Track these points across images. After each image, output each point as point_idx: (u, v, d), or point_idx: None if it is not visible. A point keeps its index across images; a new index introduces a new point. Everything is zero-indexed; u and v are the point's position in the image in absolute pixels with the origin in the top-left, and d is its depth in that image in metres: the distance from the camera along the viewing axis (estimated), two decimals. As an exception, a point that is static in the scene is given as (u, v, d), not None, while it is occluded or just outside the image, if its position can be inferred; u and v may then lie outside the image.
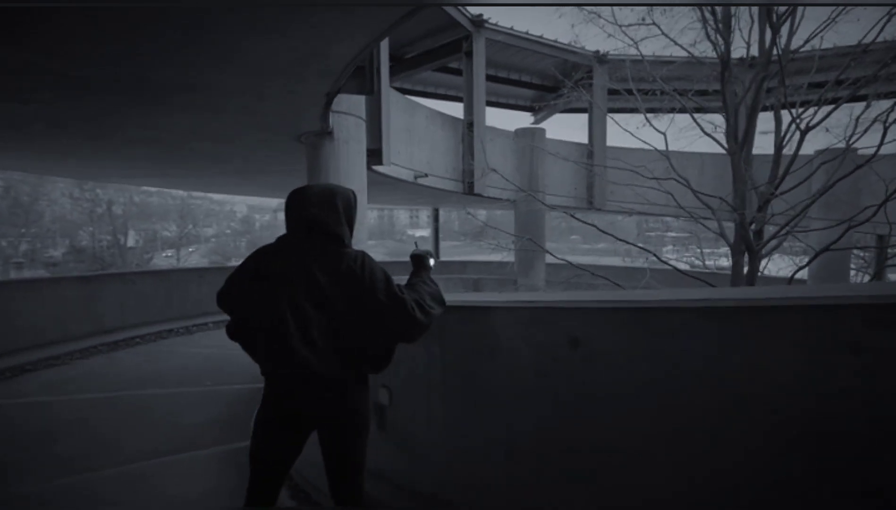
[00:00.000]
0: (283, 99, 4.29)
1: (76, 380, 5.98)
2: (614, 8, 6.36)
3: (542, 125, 11.77)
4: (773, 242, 5.66)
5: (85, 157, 7.04)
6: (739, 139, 5.35)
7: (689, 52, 6.24)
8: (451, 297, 2.58)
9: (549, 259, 9.36)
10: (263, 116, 4.82)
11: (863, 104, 5.16)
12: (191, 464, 3.64)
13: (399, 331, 1.77)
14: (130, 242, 31.10)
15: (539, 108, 11.89)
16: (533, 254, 9.21)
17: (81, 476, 3.42)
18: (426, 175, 7.97)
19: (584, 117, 11.26)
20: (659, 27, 6.33)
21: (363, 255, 1.79)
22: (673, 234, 31.49)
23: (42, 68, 3.47)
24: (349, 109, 5.36)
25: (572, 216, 6.94)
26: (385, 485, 2.87)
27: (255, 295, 1.75)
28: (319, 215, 1.76)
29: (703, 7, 5.56)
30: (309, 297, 1.69)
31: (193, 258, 35.29)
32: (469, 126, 8.77)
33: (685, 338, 1.79)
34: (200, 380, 5.85)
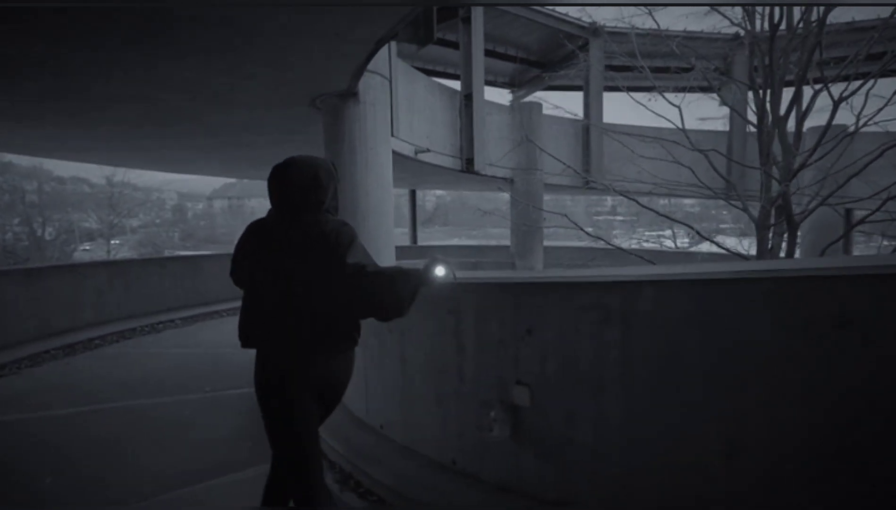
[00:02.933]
0: (320, 44, 3.56)
1: (35, 394, 4.93)
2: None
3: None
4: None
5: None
6: (782, 112, 5.18)
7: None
8: (644, 272, 2.10)
9: (546, 242, 9.10)
10: (285, 69, 4.05)
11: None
12: (235, 489, 2.95)
13: (360, 305, 1.79)
14: (48, 234, 27.85)
15: (521, 84, 11.50)
16: (532, 235, 8.86)
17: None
18: (427, 150, 7.36)
19: (569, 96, 11.04)
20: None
21: (341, 223, 1.82)
22: (621, 218, 32.57)
23: None
24: (375, 67, 4.66)
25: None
26: (520, 501, 2.37)
27: (249, 269, 1.82)
28: (301, 193, 1.79)
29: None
30: (290, 269, 1.73)
31: (122, 251, 32.25)
32: (467, 98, 8.21)
33: None
34: (197, 385, 5.00)
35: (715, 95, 9.08)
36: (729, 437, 1.79)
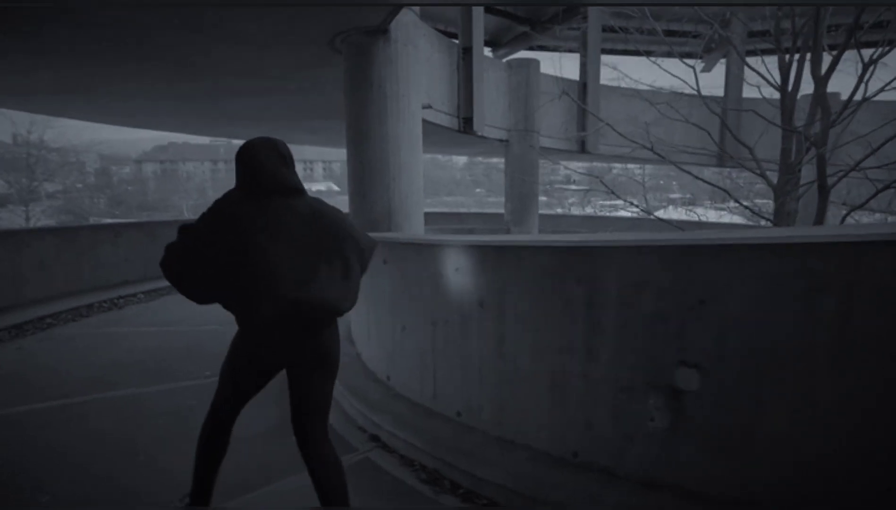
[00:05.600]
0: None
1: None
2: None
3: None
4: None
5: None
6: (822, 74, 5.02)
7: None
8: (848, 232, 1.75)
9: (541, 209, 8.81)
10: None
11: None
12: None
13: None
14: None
15: (504, 43, 10.90)
16: (527, 203, 8.51)
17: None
18: (430, 106, 6.74)
19: (554, 59, 10.62)
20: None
21: (320, 200, 1.91)
22: (574, 187, 32.99)
23: None
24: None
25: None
26: (678, 500, 2.05)
27: (231, 246, 1.76)
28: (277, 173, 1.81)
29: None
30: (287, 242, 1.76)
31: (42, 220, 29.00)
32: (465, 52, 7.58)
33: None
34: (189, 369, 4.27)
35: (701, 61, 8.98)
36: None
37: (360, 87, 4.07)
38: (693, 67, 7.24)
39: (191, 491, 1.97)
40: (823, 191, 5.00)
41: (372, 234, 4.01)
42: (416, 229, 4.35)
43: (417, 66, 5.06)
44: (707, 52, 8.40)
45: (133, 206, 37.23)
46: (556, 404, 2.42)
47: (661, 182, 31.12)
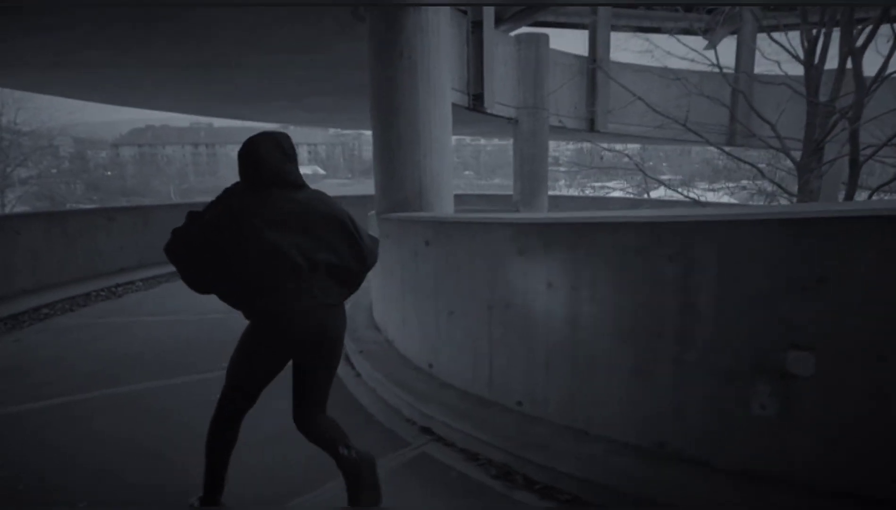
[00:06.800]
0: None
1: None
2: None
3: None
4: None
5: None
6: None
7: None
8: None
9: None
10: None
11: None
12: None
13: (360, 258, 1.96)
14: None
15: (504, 18, 10.53)
16: (537, 183, 8.30)
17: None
18: (441, 82, 6.44)
19: (560, 35, 10.35)
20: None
21: (321, 192, 1.98)
22: (564, 169, 32.82)
23: None
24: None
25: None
26: (785, 494, 1.91)
27: (233, 236, 1.80)
28: (278, 168, 1.87)
29: None
30: (287, 233, 1.81)
31: (18, 206, 27.89)
32: (475, 25, 7.27)
33: None
34: (204, 361, 3.97)
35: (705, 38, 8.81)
36: None
37: (388, 58, 3.79)
38: (713, 42, 7.07)
39: (203, 488, 1.97)
40: (855, 166, 4.90)
41: (407, 215, 3.81)
42: (446, 209, 4.13)
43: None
44: (711, 29, 8.21)
45: (112, 191, 36.07)
46: (640, 392, 2.26)
47: (651, 163, 31.14)
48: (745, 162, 5.36)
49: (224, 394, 1.93)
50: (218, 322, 4.91)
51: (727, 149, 7.29)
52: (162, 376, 3.75)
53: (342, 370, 3.87)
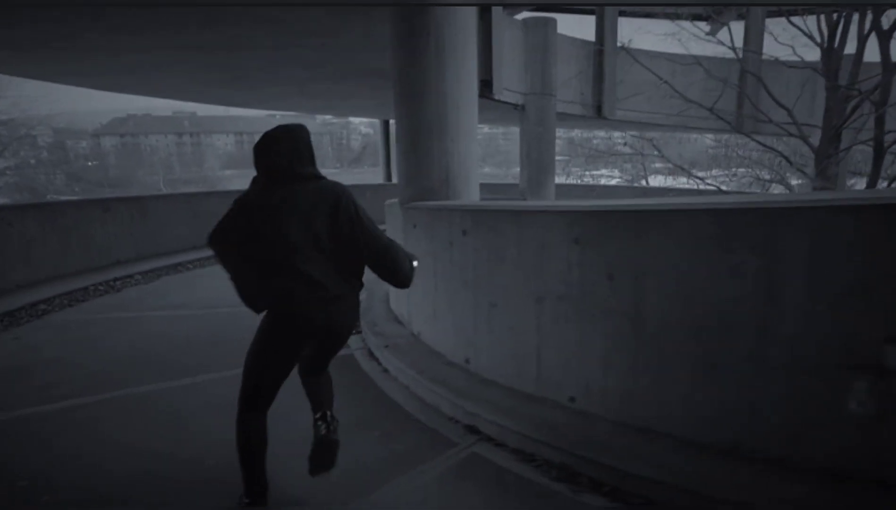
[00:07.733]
0: None
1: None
2: None
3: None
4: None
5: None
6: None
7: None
8: None
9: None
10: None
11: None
12: None
13: (373, 254, 1.96)
14: None
15: (508, 2, 10.32)
16: (544, 171, 8.16)
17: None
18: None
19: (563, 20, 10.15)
20: None
21: (337, 183, 1.99)
22: (558, 158, 32.67)
23: None
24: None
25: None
26: (879, 497, 1.82)
27: (249, 227, 1.87)
28: (291, 163, 1.89)
29: None
30: (305, 225, 1.85)
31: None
32: (483, 10, 7.06)
33: None
34: (217, 361, 3.69)
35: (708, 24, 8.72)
36: None
37: (414, 38, 3.61)
38: (727, 27, 6.96)
39: (244, 489, 1.93)
40: (881, 150, 4.84)
41: (439, 203, 3.65)
42: (473, 197, 3.98)
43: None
44: (717, 15, 8.12)
45: (94, 182, 35.16)
46: (712, 388, 2.15)
47: (644, 151, 31.10)
48: (773, 149, 5.29)
49: (242, 391, 1.95)
50: (227, 316, 4.72)
51: (737, 135, 7.22)
52: (172, 377, 3.54)
53: (368, 366, 3.73)
